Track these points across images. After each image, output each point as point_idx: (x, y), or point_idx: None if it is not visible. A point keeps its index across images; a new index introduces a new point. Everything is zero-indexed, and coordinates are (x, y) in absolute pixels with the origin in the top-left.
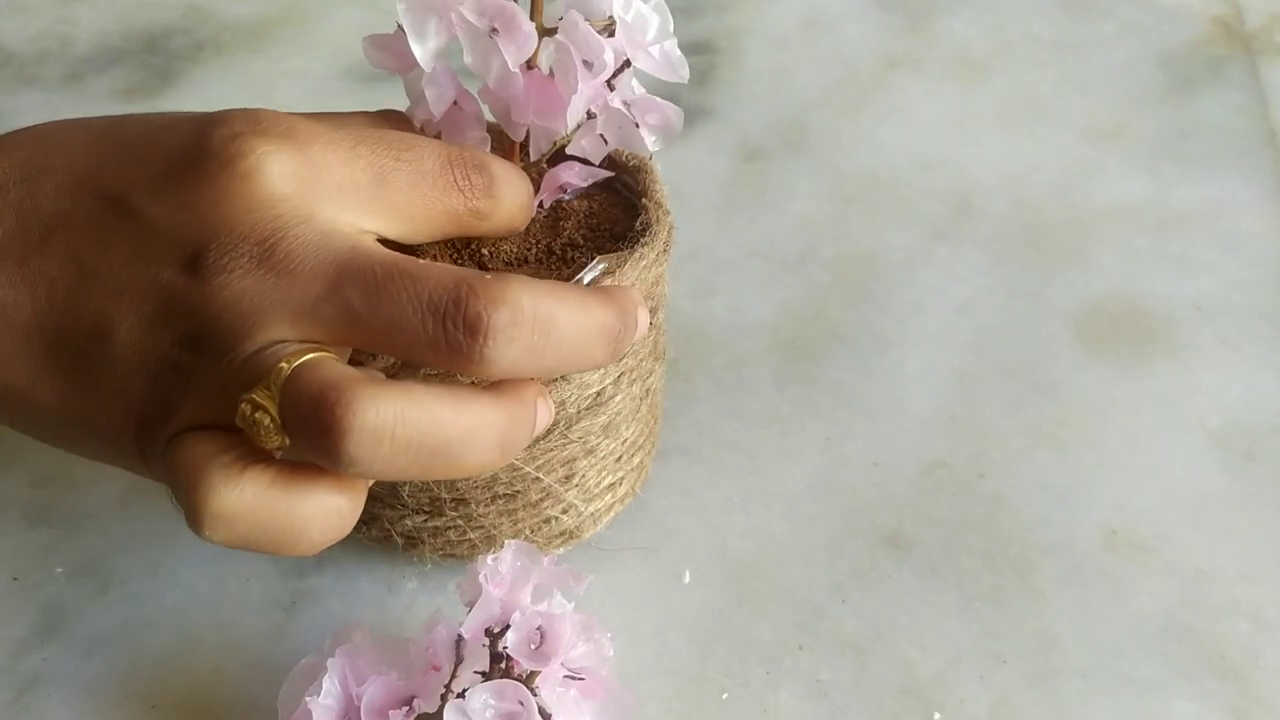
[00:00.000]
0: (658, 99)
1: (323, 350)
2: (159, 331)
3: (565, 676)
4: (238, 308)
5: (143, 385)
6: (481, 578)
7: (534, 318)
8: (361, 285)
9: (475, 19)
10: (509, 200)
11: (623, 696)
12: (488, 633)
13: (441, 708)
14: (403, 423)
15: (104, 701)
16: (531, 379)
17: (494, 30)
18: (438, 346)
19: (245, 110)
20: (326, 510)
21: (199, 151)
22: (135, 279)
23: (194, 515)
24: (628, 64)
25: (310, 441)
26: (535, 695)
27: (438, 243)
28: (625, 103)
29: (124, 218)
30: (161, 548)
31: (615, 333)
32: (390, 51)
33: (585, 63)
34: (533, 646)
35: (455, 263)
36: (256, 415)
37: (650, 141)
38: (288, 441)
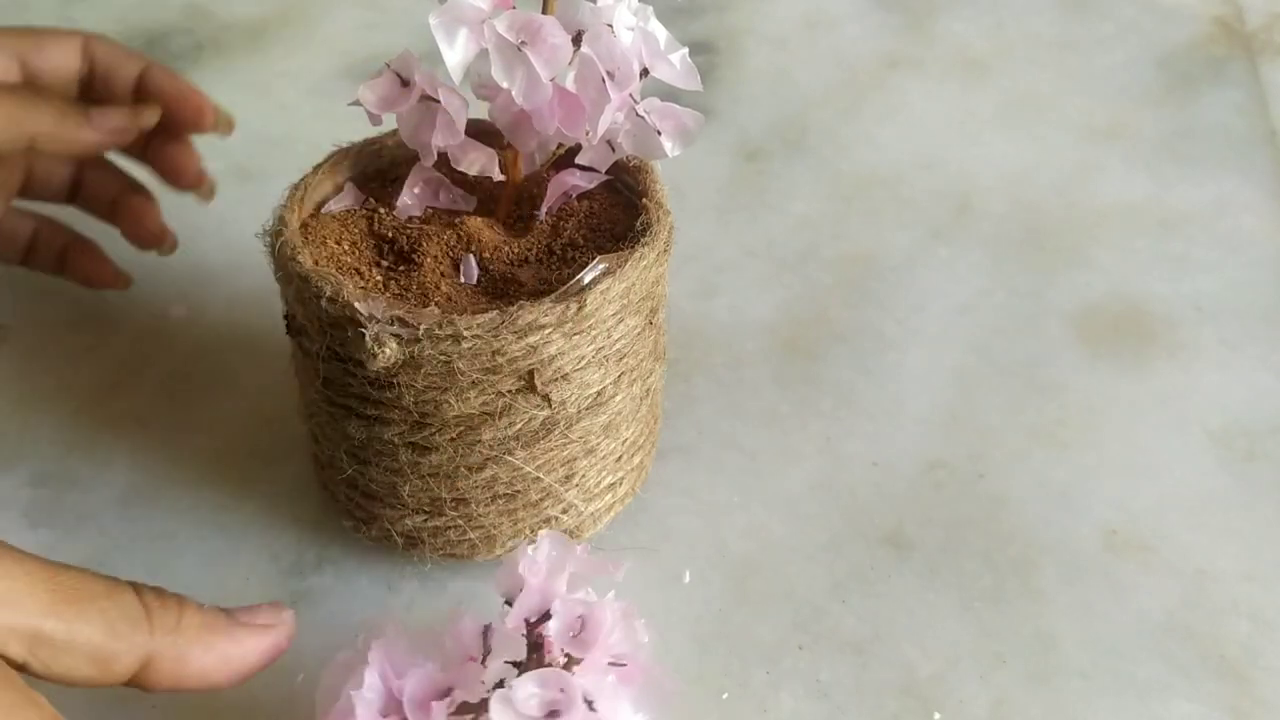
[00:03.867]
0: (675, 106)
1: None
2: None
3: (608, 664)
4: None
5: None
6: (522, 569)
7: None
8: None
9: (506, 32)
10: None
11: (663, 681)
12: (525, 621)
13: (485, 699)
14: None
15: (104, 701)
16: None
17: (523, 43)
18: None
19: None
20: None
21: None
22: None
23: None
24: (645, 73)
25: None
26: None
27: (435, 243)
28: (646, 110)
29: None
30: (161, 548)
31: None
32: (379, 94)
33: (608, 74)
34: (572, 635)
35: (453, 260)
36: None
37: (669, 148)
38: None
